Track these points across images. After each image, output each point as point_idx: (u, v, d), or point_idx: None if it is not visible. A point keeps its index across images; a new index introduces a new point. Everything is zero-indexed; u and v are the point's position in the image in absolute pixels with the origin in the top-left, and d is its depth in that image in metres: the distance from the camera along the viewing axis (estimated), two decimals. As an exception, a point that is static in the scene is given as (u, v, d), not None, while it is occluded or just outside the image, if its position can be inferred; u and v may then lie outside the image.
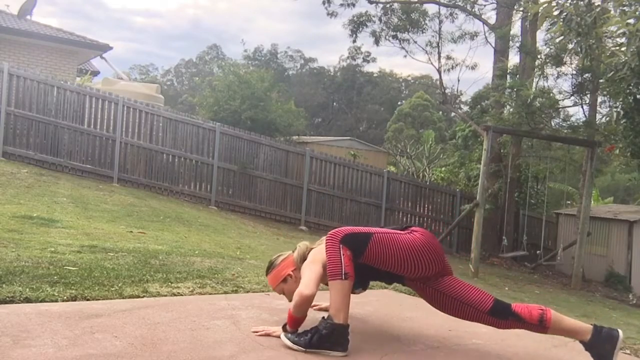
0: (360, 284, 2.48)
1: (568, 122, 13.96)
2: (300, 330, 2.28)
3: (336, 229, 2.34)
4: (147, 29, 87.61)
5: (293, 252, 2.60)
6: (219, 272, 3.67)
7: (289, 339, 2.22)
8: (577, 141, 11.94)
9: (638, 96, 7.51)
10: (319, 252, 2.43)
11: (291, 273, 2.51)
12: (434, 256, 2.32)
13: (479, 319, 2.33)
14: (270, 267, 2.62)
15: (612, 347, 2.16)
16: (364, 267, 2.36)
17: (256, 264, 4.45)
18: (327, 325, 2.18)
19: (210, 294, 3.06)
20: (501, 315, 2.28)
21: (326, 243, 2.30)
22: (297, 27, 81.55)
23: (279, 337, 2.28)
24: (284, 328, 2.31)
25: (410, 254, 2.29)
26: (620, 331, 2.22)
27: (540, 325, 2.24)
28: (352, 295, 2.93)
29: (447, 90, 15.67)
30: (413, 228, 2.41)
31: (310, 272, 2.34)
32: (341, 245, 2.25)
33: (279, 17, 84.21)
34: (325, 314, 2.27)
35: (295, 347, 2.19)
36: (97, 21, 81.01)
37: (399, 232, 2.38)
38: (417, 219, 13.31)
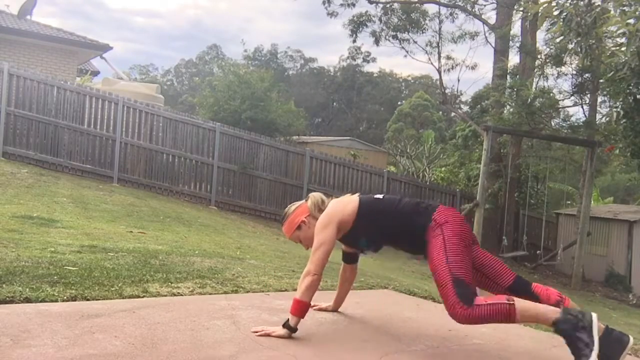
0: (374, 246, 2.50)
1: (568, 122, 13.98)
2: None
3: (454, 311, 2.18)
4: (147, 29, 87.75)
5: (306, 201, 2.62)
6: (219, 272, 3.67)
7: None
8: (577, 141, 11.95)
9: (638, 96, 7.51)
10: (333, 207, 2.46)
11: (305, 220, 2.54)
12: (465, 227, 2.35)
13: (498, 292, 2.34)
14: (285, 216, 2.63)
15: (621, 351, 2.14)
16: (391, 240, 2.40)
17: (256, 264, 4.45)
18: (584, 316, 2.10)
19: (210, 294, 3.06)
20: (519, 293, 2.29)
21: (477, 321, 2.18)
22: (297, 28, 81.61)
23: (278, 337, 2.28)
24: (285, 325, 2.31)
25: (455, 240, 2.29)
26: (631, 338, 2.18)
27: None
28: (351, 296, 2.95)
29: (447, 90, 15.68)
30: (435, 217, 2.34)
31: (320, 246, 2.35)
32: (474, 303, 2.15)
33: (279, 18, 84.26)
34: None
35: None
36: (97, 21, 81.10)
37: (443, 244, 2.30)
38: (417, 219, 13.29)
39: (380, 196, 2.51)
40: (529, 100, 11.63)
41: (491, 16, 15.20)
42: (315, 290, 2.34)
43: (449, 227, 2.30)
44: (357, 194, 2.56)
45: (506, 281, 2.35)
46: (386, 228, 2.44)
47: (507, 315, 2.12)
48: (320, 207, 2.54)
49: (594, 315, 2.13)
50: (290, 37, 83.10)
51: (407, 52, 15.79)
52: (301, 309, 2.31)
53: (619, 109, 8.19)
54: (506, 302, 2.14)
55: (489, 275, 2.38)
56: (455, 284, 2.19)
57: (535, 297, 2.28)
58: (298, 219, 2.56)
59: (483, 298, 2.19)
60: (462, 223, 2.35)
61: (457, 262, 2.23)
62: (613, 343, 2.16)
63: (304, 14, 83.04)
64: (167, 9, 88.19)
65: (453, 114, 26.01)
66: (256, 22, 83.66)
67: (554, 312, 2.13)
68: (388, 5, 15.38)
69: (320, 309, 2.82)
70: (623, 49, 5.97)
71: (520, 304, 2.14)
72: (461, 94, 20.27)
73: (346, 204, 2.49)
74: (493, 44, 14.56)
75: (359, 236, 2.51)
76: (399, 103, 42.88)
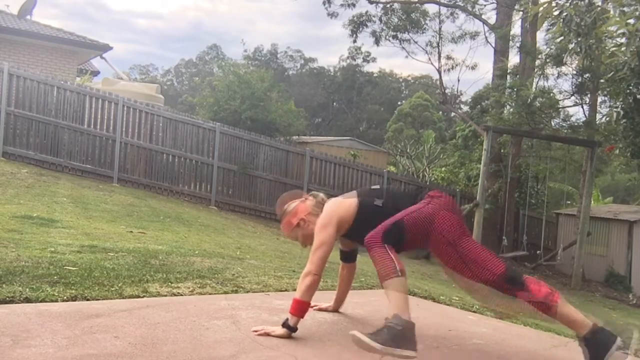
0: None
1: (568, 122, 13.98)
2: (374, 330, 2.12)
3: (371, 235, 2.27)
4: (149, 30, 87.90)
5: (306, 199, 2.61)
6: (219, 272, 3.67)
7: (368, 336, 2.03)
8: (577, 141, 11.95)
9: (638, 96, 7.52)
10: (333, 206, 2.46)
11: (305, 217, 2.52)
12: (456, 214, 2.36)
13: (489, 280, 2.30)
14: (283, 214, 2.61)
15: (606, 350, 2.15)
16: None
17: (256, 264, 4.45)
18: (402, 321, 2.07)
19: (210, 294, 3.06)
20: (510, 282, 2.28)
21: (370, 252, 2.25)
22: (298, 29, 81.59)
23: (278, 336, 2.28)
24: (284, 325, 2.31)
25: (440, 222, 2.30)
26: (619, 338, 2.20)
27: (545, 301, 2.22)
28: (351, 296, 2.94)
29: (447, 90, 15.68)
30: (430, 194, 2.41)
31: (320, 246, 2.35)
32: (386, 246, 2.21)
33: (279, 20, 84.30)
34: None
35: (373, 344, 2.00)
36: (99, 23, 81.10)
37: (420, 206, 2.36)
38: (417, 219, 13.29)
39: (380, 204, 2.48)
40: (529, 100, 11.63)
41: (491, 16, 15.22)
42: (315, 290, 2.34)
43: (439, 222, 2.32)
44: (356, 194, 2.55)
45: (498, 269, 2.30)
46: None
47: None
48: (320, 206, 2.54)
49: (618, 340, 2.19)
50: (290, 38, 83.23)
51: (407, 52, 15.81)
52: (301, 308, 2.31)
53: (619, 109, 8.19)
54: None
55: (481, 263, 2.32)
56: (500, 279, 2.27)
57: (524, 287, 2.26)
58: (298, 216, 2.56)
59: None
60: (452, 213, 2.36)
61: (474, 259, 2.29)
62: (601, 342, 2.17)
63: (304, 16, 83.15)
64: (168, 10, 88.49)
65: (453, 114, 26.01)
66: (256, 23, 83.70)
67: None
68: (388, 5, 15.38)
69: (321, 309, 2.82)
70: (623, 49, 5.97)
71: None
72: (461, 94, 20.29)
73: (345, 205, 2.49)
74: (493, 44, 14.57)
75: (359, 235, 2.51)
76: (399, 103, 42.86)
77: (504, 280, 2.27)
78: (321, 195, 2.63)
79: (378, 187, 2.52)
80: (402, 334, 2.03)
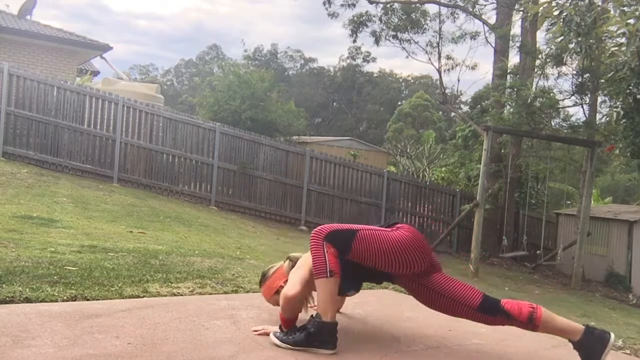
0: (353, 286, 2.46)
1: (568, 122, 13.98)
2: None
3: (320, 227, 2.34)
4: (150, 32, 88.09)
5: (284, 262, 2.61)
6: (219, 272, 3.67)
7: (277, 337, 2.24)
8: (577, 141, 11.94)
9: (638, 96, 7.51)
10: (305, 258, 2.43)
11: (282, 284, 2.50)
12: (420, 253, 2.31)
13: (467, 315, 2.32)
14: (263, 278, 2.64)
15: (602, 349, 2.15)
16: (354, 268, 2.35)
17: (256, 264, 4.45)
18: (315, 323, 2.19)
19: (210, 294, 3.06)
20: (490, 312, 2.27)
21: (310, 241, 2.30)
22: (298, 31, 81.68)
23: None
24: (280, 328, 2.32)
25: (396, 250, 2.28)
26: (612, 334, 2.20)
27: (530, 323, 2.22)
28: (351, 296, 2.94)
29: (447, 90, 15.67)
30: (399, 225, 2.39)
31: (294, 276, 2.36)
32: (325, 243, 2.26)
33: (279, 21, 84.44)
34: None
35: (283, 345, 2.20)
36: (100, 24, 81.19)
37: (385, 229, 2.37)
38: (417, 219, 13.31)
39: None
40: (529, 100, 11.62)
41: (491, 16, 15.20)
42: (294, 304, 2.31)
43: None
44: None
45: (474, 302, 2.29)
46: (360, 275, 2.45)
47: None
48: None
49: (612, 337, 2.19)
50: (290, 39, 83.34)
51: (407, 52, 15.79)
52: (287, 323, 2.32)
53: (619, 109, 8.19)
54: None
55: (456, 299, 2.32)
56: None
57: (506, 314, 2.25)
58: (276, 283, 2.55)
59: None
60: (416, 248, 2.33)
61: None
62: (594, 343, 2.17)
63: (305, 17, 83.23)
64: (169, 12, 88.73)
65: (453, 114, 26.01)
66: (257, 25, 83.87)
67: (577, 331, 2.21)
68: (388, 5, 15.37)
69: (320, 309, 2.82)
70: (623, 49, 5.97)
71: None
72: (461, 94, 20.30)
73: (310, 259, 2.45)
74: (493, 44, 14.56)
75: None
76: (399, 103, 42.87)
77: (482, 311, 2.28)
78: (296, 255, 2.59)
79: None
80: (316, 334, 2.17)
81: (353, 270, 2.35)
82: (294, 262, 2.55)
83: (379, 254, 2.28)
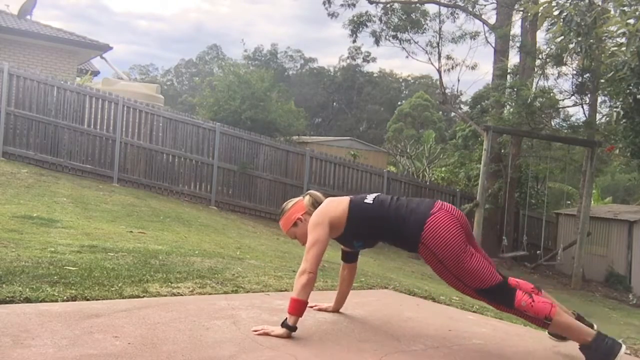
0: (369, 245, 2.54)
1: (568, 122, 14.00)
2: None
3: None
4: (149, 32, 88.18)
5: (304, 197, 2.64)
6: (219, 272, 3.67)
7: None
8: (577, 141, 11.95)
9: (638, 96, 7.51)
10: (325, 205, 2.49)
11: (301, 217, 2.56)
12: (466, 228, 2.41)
13: (482, 295, 2.31)
14: (282, 212, 2.66)
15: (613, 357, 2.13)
16: (380, 237, 2.46)
17: (256, 264, 4.45)
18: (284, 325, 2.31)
19: (210, 294, 3.06)
20: (505, 299, 2.28)
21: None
22: (298, 31, 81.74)
23: (278, 336, 2.28)
24: (284, 324, 2.31)
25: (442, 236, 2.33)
26: (624, 346, 2.17)
27: (545, 320, 2.21)
28: (351, 296, 2.94)
29: (447, 90, 15.68)
30: (437, 203, 2.46)
31: (313, 245, 2.37)
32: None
33: (279, 22, 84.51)
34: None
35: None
36: (100, 25, 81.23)
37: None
38: (417, 219, 13.29)
39: (371, 200, 2.47)
40: (529, 100, 11.62)
41: (491, 16, 15.22)
42: (312, 288, 2.35)
43: (440, 247, 2.30)
44: (349, 198, 2.54)
45: (493, 281, 2.29)
46: (377, 234, 2.48)
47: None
48: (316, 205, 2.56)
49: (623, 348, 2.17)
50: (290, 40, 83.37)
51: (407, 52, 15.80)
52: (299, 307, 2.30)
53: (619, 109, 8.19)
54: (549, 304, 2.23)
55: (478, 276, 2.31)
56: (485, 295, 2.29)
57: (521, 309, 2.24)
58: (295, 215, 2.59)
59: (526, 297, 2.25)
60: (452, 230, 2.33)
61: (470, 274, 2.27)
62: (604, 352, 2.14)
63: (305, 18, 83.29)
64: (170, 12, 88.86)
65: (453, 114, 26.02)
66: (257, 25, 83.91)
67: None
68: (388, 5, 15.38)
69: (321, 309, 2.82)
70: (623, 49, 5.96)
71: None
72: (461, 94, 20.31)
73: (338, 205, 2.49)
74: (493, 44, 14.57)
75: (352, 239, 2.54)
76: (399, 103, 42.85)
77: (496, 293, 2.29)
78: (318, 194, 2.64)
79: (371, 201, 2.48)
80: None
81: (384, 240, 2.46)
82: (314, 197, 2.59)
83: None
